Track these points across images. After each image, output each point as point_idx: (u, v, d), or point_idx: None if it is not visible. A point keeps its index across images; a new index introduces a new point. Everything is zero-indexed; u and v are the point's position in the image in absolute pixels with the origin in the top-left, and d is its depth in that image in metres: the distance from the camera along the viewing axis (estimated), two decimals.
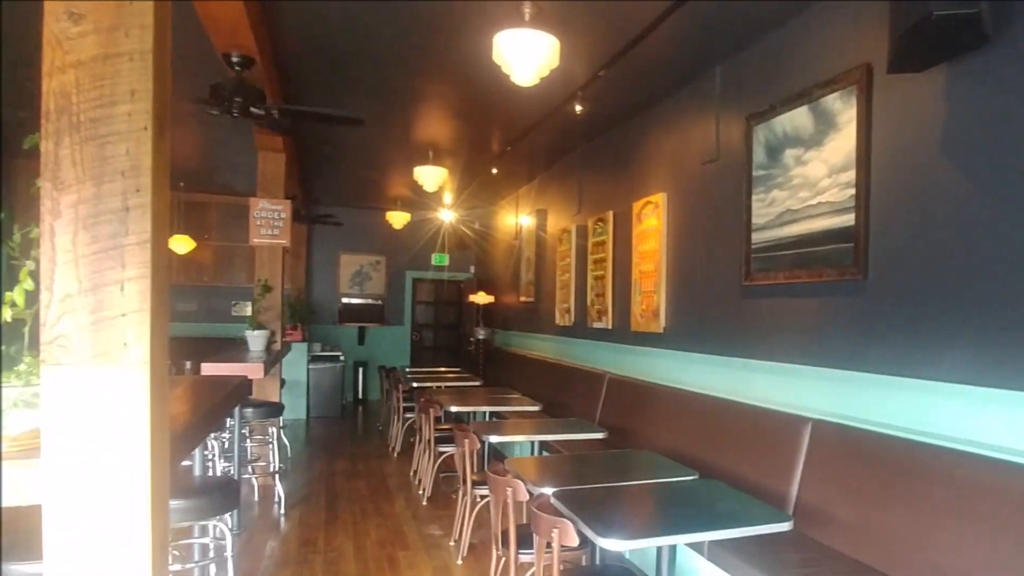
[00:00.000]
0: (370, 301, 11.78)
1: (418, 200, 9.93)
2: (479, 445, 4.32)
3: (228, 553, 2.94)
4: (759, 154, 4.20)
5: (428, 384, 7.39)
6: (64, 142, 1.54)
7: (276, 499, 5.38)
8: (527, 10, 3.77)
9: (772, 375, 4.03)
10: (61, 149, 1.54)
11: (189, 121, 6.95)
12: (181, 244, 9.25)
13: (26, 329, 1.66)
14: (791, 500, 3.52)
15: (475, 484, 4.33)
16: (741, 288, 4.38)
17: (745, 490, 3.34)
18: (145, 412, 1.62)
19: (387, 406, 8.82)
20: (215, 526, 2.95)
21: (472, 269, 12.37)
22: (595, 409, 6.07)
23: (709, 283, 4.78)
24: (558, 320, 7.69)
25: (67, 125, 1.54)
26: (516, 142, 6.88)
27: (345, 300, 11.66)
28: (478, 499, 4.35)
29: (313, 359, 9.95)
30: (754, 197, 4.23)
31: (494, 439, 4.45)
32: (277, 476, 5.30)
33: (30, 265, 1.61)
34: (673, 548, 2.86)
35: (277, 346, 5.91)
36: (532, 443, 5.03)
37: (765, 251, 4.12)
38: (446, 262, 12.08)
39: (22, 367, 1.60)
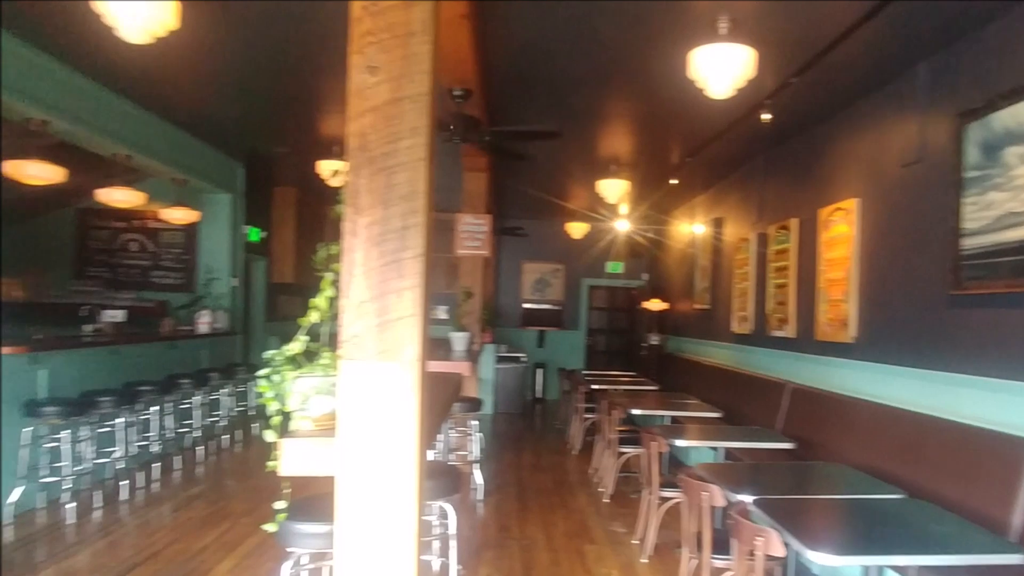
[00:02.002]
0: (549, 306, 12.10)
1: (596, 211, 10.04)
2: (667, 448, 4.29)
3: (451, 532, 3.18)
4: (972, 154, 3.81)
5: (606, 387, 7.43)
6: (362, 173, 1.78)
7: (473, 486, 5.67)
8: (723, 25, 3.71)
9: (984, 392, 3.63)
10: (360, 180, 1.78)
11: None
12: None
13: (325, 329, 1.92)
14: (1012, 528, 3.15)
15: (662, 486, 4.31)
16: (947, 298, 3.99)
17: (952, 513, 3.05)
18: (416, 402, 1.82)
19: (566, 406, 8.97)
20: (440, 506, 3.19)
21: (645, 276, 12.26)
22: (775, 418, 5.78)
23: (907, 292, 4.40)
24: (735, 328, 7.43)
25: (365, 160, 1.78)
26: (697, 153, 6.75)
27: (527, 305, 12.07)
28: (663, 501, 4.31)
29: (499, 359, 10.35)
30: (965, 200, 3.84)
31: (681, 443, 4.40)
32: (476, 465, 5.60)
33: (331, 276, 1.86)
34: (880, 569, 2.68)
35: (476, 347, 6.25)
36: (714, 449, 4.90)
37: (979, 258, 3.73)
38: (620, 269, 12.09)
39: (325, 361, 1.85)
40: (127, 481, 5.25)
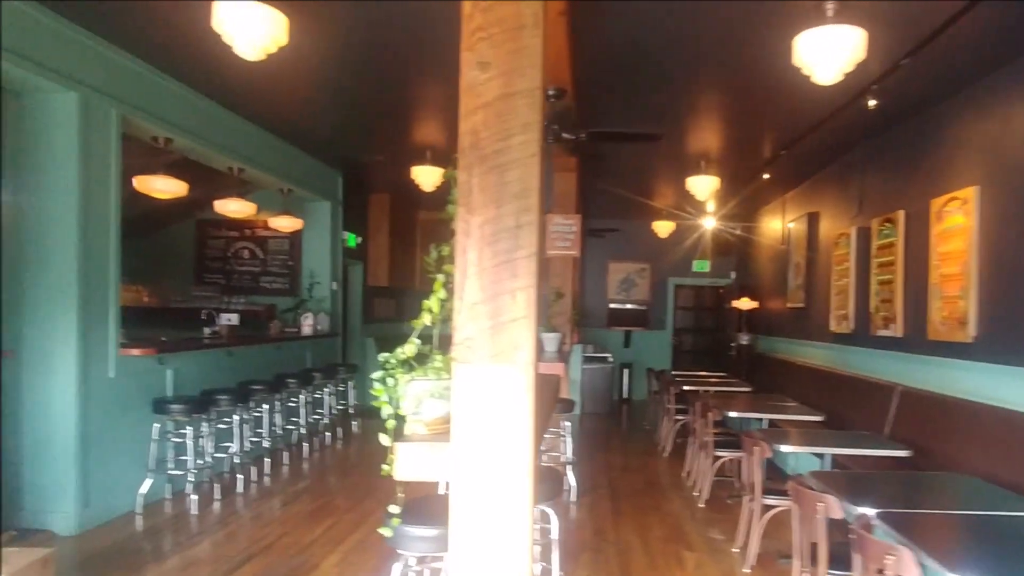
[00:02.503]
0: (635, 306, 11.80)
1: (683, 209, 9.70)
2: (770, 454, 4.01)
3: (553, 536, 3.06)
4: None
5: (698, 388, 7.12)
6: (474, 172, 1.69)
7: (566, 487, 5.54)
8: (830, 6, 3.43)
9: None
10: (472, 178, 1.69)
11: None
12: None
13: (435, 331, 1.85)
14: None
15: (765, 493, 4.03)
16: None
17: None
18: (530, 405, 1.71)
19: (655, 406, 8.69)
20: (542, 510, 3.08)
21: (732, 275, 11.77)
22: (882, 423, 5.34)
23: None
24: (833, 327, 6.95)
25: (476, 158, 1.69)
26: (792, 145, 6.36)
27: (613, 305, 11.82)
28: (766, 509, 4.03)
29: (586, 360, 10.18)
30: None
31: (787, 449, 4.11)
32: (569, 467, 5.46)
33: (442, 278, 1.79)
34: None
35: (567, 348, 6.12)
36: (818, 456, 4.56)
37: None
38: (707, 268, 11.66)
39: (437, 364, 1.77)
40: (242, 475, 5.43)
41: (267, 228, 8.10)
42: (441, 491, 2.91)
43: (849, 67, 3.46)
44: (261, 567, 3.83)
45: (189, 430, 4.87)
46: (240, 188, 6.56)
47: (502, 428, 1.69)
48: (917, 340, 5.27)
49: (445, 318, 1.80)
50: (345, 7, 3.80)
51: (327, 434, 7.22)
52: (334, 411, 7.41)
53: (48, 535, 4.13)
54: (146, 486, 4.73)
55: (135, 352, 4.63)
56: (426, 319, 1.80)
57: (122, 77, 4.57)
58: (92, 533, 4.26)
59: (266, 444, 6.00)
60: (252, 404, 5.77)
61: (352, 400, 7.94)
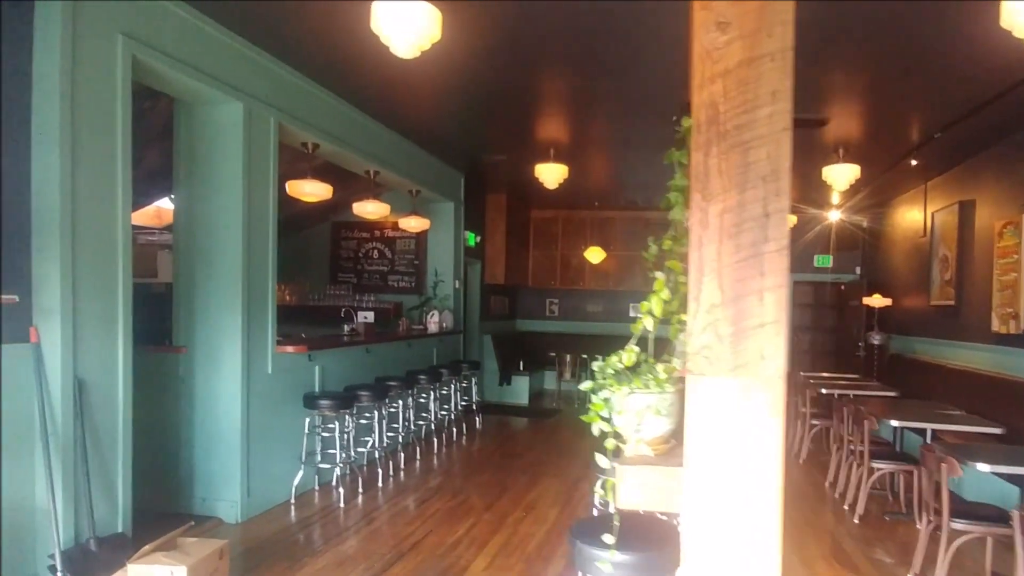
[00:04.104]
0: None
1: (806, 201, 8.95)
2: (960, 472, 3.45)
3: None
4: None
5: (834, 391, 6.48)
6: (712, 152, 1.39)
7: None
8: None
9: None
10: (710, 159, 1.39)
11: (602, 147, 7.21)
12: (596, 255, 9.83)
13: (651, 338, 1.57)
14: None
15: (953, 516, 3.47)
16: None
17: None
18: (779, 428, 1.39)
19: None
20: None
21: (858, 270, 10.78)
22: None
23: None
24: (996, 327, 6.10)
25: (714, 135, 1.39)
26: (950, 126, 5.61)
27: None
28: (954, 534, 3.47)
29: None
30: None
31: (984, 467, 3.50)
32: None
33: (664, 276, 1.50)
34: None
35: None
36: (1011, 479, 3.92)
37: None
38: (830, 264, 10.73)
39: (661, 375, 1.49)
40: (381, 469, 5.41)
41: (395, 229, 8.16)
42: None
43: None
44: (412, 567, 3.72)
45: (336, 425, 4.88)
46: (374, 191, 6.58)
47: (745, 454, 1.39)
48: None
49: (668, 321, 1.52)
50: None
51: (453, 429, 7.15)
52: (459, 407, 7.33)
53: (216, 522, 4.22)
54: (299, 477, 4.77)
55: (289, 349, 4.68)
56: (646, 323, 1.52)
57: (279, 86, 4.65)
58: (254, 521, 4.32)
59: (400, 439, 5.97)
60: (387, 400, 5.75)
61: (475, 396, 7.84)
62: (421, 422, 6.54)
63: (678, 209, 1.55)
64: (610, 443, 1.48)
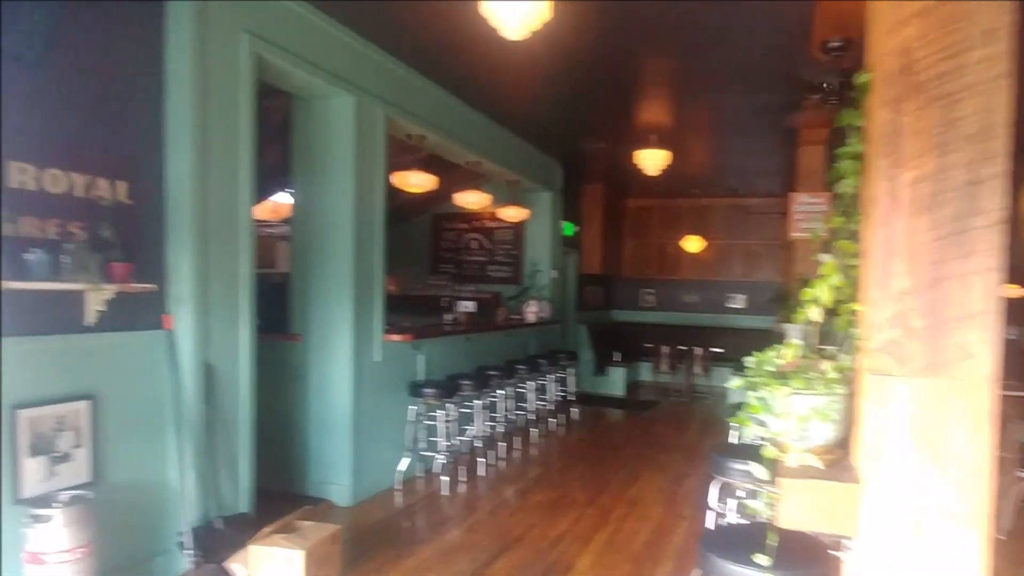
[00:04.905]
0: None
1: None
2: None
3: None
4: None
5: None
6: (905, 107, 1.14)
7: None
8: None
9: None
10: (902, 117, 1.14)
11: (703, 131, 6.79)
12: (695, 244, 9.39)
13: (811, 330, 1.33)
14: None
15: None
16: None
17: None
18: (987, 441, 1.13)
19: None
20: None
21: None
22: None
23: None
24: None
25: (908, 87, 1.14)
26: None
27: None
28: None
29: None
30: None
31: None
32: None
33: (832, 259, 1.26)
34: None
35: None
36: None
37: None
38: None
39: (831, 374, 1.25)
40: (482, 458, 5.35)
41: (493, 219, 8.10)
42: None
43: None
44: (517, 561, 3.60)
45: (440, 413, 4.85)
46: (475, 181, 6.53)
47: (942, 475, 1.14)
48: None
49: (838, 311, 1.28)
50: None
51: (551, 420, 7.01)
52: (556, 397, 7.18)
53: (328, 504, 4.29)
54: (404, 464, 4.79)
55: (395, 338, 4.68)
56: (812, 313, 1.28)
57: (388, 79, 4.64)
58: (362, 506, 4.36)
59: (500, 429, 5.89)
60: (487, 389, 5.68)
61: (572, 387, 7.66)
62: (519, 412, 6.45)
63: (850, 180, 1.30)
64: (769, 451, 1.26)
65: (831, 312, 1.30)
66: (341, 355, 4.31)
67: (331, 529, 3.15)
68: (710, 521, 3.39)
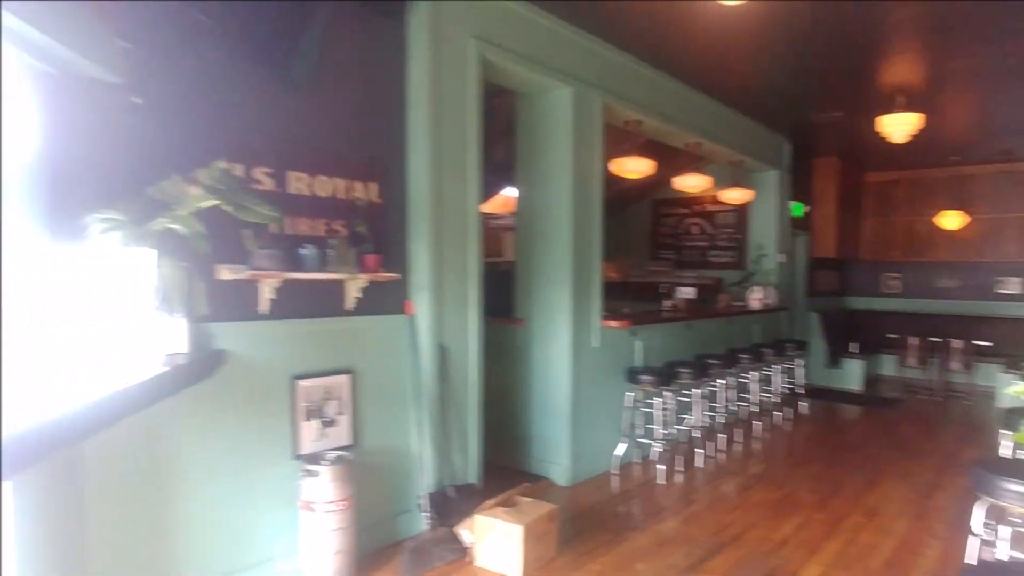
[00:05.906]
0: None
1: None
2: None
3: None
4: None
5: None
6: None
7: None
8: None
9: None
10: None
11: (965, 84, 5.49)
12: (954, 220, 7.82)
13: None
14: None
15: None
16: None
17: None
18: None
19: None
20: None
21: None
22: None
23: None
24: None
25: None
26: None
27: None
28: None
29: None
30: None
31: None
32: None
33: None
34: None
35: None
36: None
37: None
38: None
39: None
40: (700, 449, 5.06)
41: (714, 203, 7.59)
42: None
43: None
44: (735, 560, 3.32)
45: (657, 400, 4.68)
46: (694, 164, 6.13)
47: None
48: None
49: None
50: None
51: (776, 413, 6.38)
52: (782, 390, 6.51)
53: (548, 483, 4.39)
54: (620, 449, 4.71)
55: (613, 324, 4.61)
56: None
57: (603, 67, 4.55)
58: (579, 487, 4.39)
59: (720, 419, 5.51)
60: (707, 378, 5.34)
61: (801, 379, 6.89)
62: (741, 403, 5.97)
63: None
64: None
65: None
66: (561, 340, 4.36)
67: (548, 508, 3.19)
68: (972, 549, 2.79)
